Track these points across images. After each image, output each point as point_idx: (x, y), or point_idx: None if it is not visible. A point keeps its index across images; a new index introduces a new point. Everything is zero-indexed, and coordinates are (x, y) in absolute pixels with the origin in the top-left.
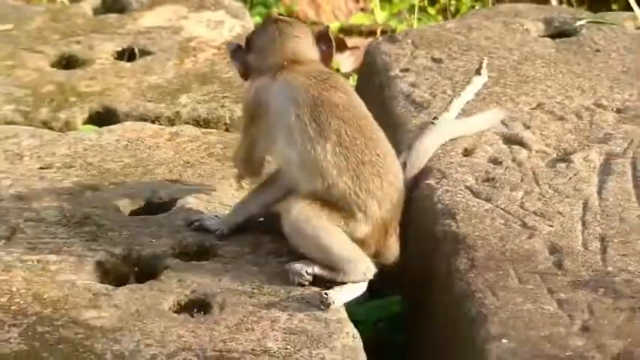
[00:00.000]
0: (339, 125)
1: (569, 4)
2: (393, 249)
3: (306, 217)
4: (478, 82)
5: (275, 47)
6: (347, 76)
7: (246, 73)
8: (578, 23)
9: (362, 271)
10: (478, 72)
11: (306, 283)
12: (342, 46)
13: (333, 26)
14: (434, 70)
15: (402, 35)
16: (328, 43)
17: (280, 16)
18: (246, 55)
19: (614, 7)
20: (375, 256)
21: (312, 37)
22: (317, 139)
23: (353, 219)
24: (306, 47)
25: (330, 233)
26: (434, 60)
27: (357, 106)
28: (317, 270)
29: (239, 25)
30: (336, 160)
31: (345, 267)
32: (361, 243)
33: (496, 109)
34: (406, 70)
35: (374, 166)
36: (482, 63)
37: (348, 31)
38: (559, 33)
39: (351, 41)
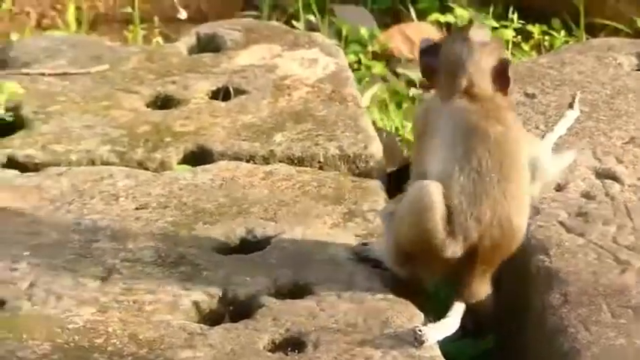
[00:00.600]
0: (483, 155)
1: None
2: (481, 290)
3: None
4: (571, 117)
5: (459, 69)
6: None
7: (429, 76)
8: None
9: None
10: (571, 106)
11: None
12: None
13: None
14: (527, 105)
15: None
16: (506, 75)
17: (475, 29)
18: (434, 58)
19: None
20: (461, 293)
21: (494, 65)
22: (460, 160)
23: (451, 237)
24: (485, 76)
25: None
26: (527, 95)
27: (509, 141)
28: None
29: (333, 62)
30: (465, 183)
31: None
32: (446, 263)
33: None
34: None
35: (495, 203)
36: (575, 97)
37: None
38: None
39: None
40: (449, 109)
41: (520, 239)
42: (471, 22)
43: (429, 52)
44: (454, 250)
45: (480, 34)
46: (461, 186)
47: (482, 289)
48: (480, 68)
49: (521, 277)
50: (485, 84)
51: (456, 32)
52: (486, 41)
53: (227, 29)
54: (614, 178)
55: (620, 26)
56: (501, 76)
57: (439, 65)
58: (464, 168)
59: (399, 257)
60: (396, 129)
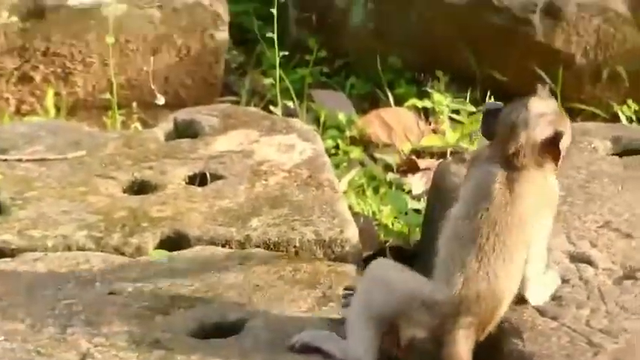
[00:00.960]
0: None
1: None
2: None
3: None
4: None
5: (511, 135)
6: (418, 198)
7: (489, 139)
8: None
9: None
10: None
11: None
12: (413, 168)
13: (405, 148)
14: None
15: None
16: (556, 147)
17: (540, 99)
18: (495, 121)
19: None
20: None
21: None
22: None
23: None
24: (534, 146)
25: None
26: None
27: (518, 209)
28: None
29: (310, 148)
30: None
31: None
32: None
33: None
34: None
35: (487, 266)
36: None
37: (419, 152)
38: (627, 151)
39: (422, 163)
40: (479, 171)
41: (504, 303)
42: (536, 90)
43: (493, 114)
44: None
45: (543, 104)
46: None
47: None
48: (531, 137)
49: None
50: (532, 153)
51: (519, 99)
52: (546, 112)
53: (205, 115)
54: (589, 262)
55: (598, 111)
56: (551, 147)
57: (497, 129)
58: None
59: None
60: (373, 213)
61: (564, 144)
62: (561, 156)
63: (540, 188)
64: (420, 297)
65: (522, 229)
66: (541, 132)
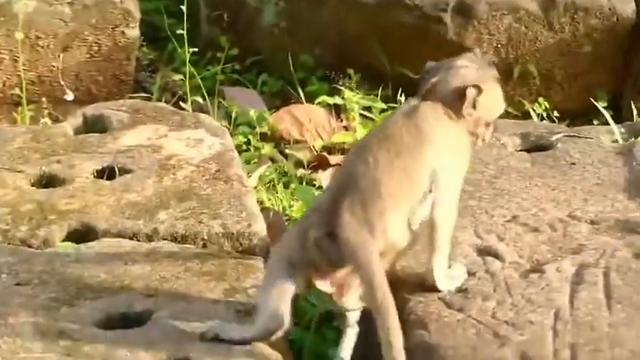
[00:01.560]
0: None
1: (550, 119)
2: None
3: None
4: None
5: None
6: None
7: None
8: (555, 137)
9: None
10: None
11: None
12: (324, 164)
13: (316, 144)
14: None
15: None
16: (461, 99)
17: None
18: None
19: (595, 122)
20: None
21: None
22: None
23: None
24: (446, 92)
25: None
26: None
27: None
28: None
29: (218, 143)
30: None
31: None
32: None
33: None
34: None
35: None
36: None
37: (330, 149)
38: (536, 147)
39: (333, 159)
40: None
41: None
42: (477, 52)
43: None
44: None
45: (471, 62)
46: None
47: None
48: (447, 82)
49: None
50: (441, 98)
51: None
52: (469, 67)
53: (114, 110)
54: (496, 255)
55: (509, 109)
56: (459, 98)
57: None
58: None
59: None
60: (284, 209)
61: (470, 96)
62: (464, 108)
63: (447, 131)
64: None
65: (419, 156)
66: (455, 81)
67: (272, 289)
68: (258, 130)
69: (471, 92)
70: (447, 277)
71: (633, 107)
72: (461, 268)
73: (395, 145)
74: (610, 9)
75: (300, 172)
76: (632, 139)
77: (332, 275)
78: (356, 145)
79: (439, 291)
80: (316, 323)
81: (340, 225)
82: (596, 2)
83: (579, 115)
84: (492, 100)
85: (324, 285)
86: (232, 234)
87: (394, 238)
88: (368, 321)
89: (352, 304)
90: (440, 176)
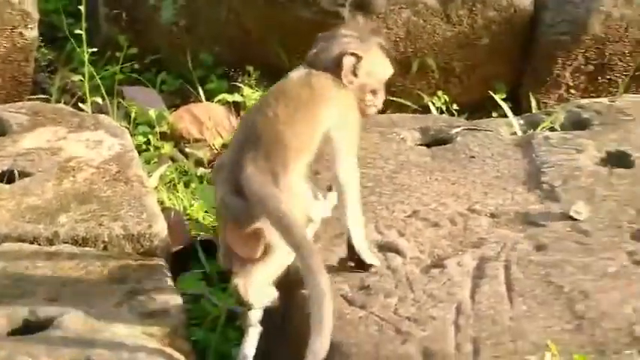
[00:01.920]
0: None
1: (450, 112)
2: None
3: None
4: (333, 198)
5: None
6: None
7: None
8: (454, 131)
9: None
10: (330, 189)
11: None
12: None
13: (216, 142)
14: (312, 182)
15: None
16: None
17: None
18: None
19: (494, 114)
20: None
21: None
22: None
23: None
24: (328, 59)
25: None
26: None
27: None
28: None
29: (118, 144)
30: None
31: None
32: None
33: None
34: None
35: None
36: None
37: None
38: (435, 141)
39: None
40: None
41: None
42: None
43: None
44: None
45: (354, 31)
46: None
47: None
48: (328, 51)
49: (303, 349)
50: (324, 67)
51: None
52: (349, 35)
53: (12, 112)
54: (397, 251)
55: (408, 102)
56: (338, 65)
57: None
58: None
59: None
60: (184, 208)
61: (347, 63)
62: (342, 72)
63: (337, 95)
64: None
65: (316, 112)
66: (335, 49)
67: None
68: (158, 129)
69: (347, 60)
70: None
71: (532, 98)
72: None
73: (292, 100)
74: (508, 1)
75: (201, 170)
76: (531, 130)
77: (242, 237)
78: (253, 106)
79: (370, 266)
80: (219, 323)
81: (245, 178)
82: None
83: (478, 108)
84: (375, 66)
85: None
86: (133, 235)
87: (297, 190)
88: (269, 319)
89: (255, 299)
90: (336, 135)
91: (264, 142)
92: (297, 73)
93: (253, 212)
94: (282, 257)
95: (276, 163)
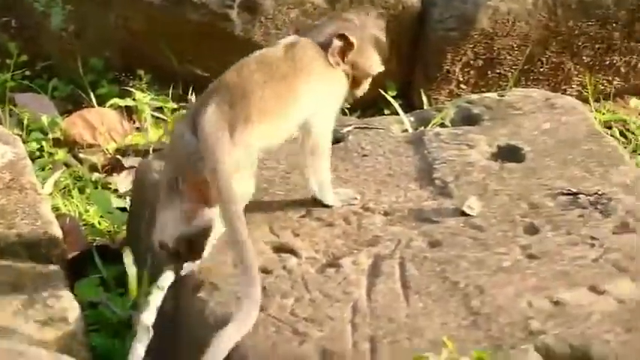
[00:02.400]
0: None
1: (342, 112)
2: None
3: None
4: None
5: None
6: (124, 196)
7: None
8: (346, 129)
9: None
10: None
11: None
12: (118, 167)
13: (109, 147)
14: None
15: None
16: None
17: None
18: None
19: (386, 112)
20: None
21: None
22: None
23: None
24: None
25: None
26: None
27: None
28: None
29: (11, 151)
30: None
31: None
32: None
33: None
34: None
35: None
36: None
37: (124, 151)
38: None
39: (127, 161)
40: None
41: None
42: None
43: None
44: None
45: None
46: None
47: None
48: (322, 31)
49: (201, 350)
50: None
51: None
52: (353, 23)
53: None
54: (292, 251)
55: None
56: (329, 42)
57: None
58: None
59: None
60: (80, 214)
61: (335, 44)
62: (329, 54)
63: (320, 66)
64: None
65: (293, 82)
66: (331, 27)
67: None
68: (51, 135)
69: (337, 42)
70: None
71: (423, 95)
72: (349, 193)
73: (271, 66)
74: None
75: (95, 176)
76: (422, 127)
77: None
78: (236, 64)
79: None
80: (117, 329)
81: (204, 116)
82: None
83: (370, 106)
84: (363, 58)
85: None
86: (28, 243)
87: (248, 153)
88: (161, 322)
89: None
90: (313, 104)
91: (232, 94)
92: (285, 40)
93: (202, 156)
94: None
95: (238, 115)
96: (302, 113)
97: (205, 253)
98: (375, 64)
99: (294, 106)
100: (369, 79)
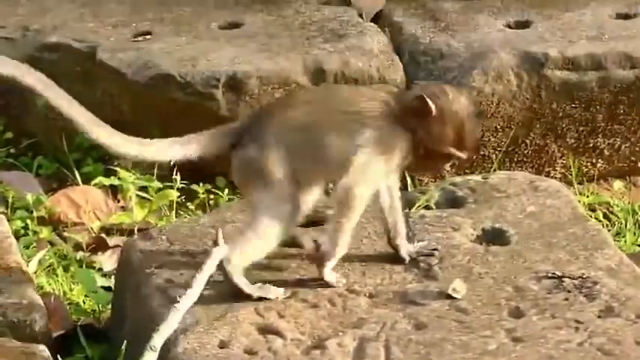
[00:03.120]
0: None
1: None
2: None
3: None
4: (217, 254)
5: None
6: (109, 275)
7: None
8: (330, 210)
9: None
10: (215, 243)
11: None
12: (103, 246)
13: (94, 226)
14: (189, 265)
15: (157, 232)
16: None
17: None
18: None
19: None
20: None
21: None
22: None
23: None
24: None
25: None
26: (189, 254)
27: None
28: None
29: None
30: None
31: None
32: None
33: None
34: (162, 266)
35: None
36: (217, 234)
37: (109, 230)
38: (312, 221)
39: (112, 240)
40: None
41: None
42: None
43: None
44: None
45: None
46: None
47: None
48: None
49: None
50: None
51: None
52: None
53: None
54: (277, 333)
55: None
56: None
57: None
58: None
59: None
60: (64, 293)
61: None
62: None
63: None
64: None
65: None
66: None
67: None
68: (35, 214)
69: (419, 101)
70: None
71: (407, 176)
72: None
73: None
74: (380, 78)
75: (80, 254)
76: (407, 209)
77: None
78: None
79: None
80: None
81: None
82: (367, 72)
83: None
84: (442, 128)
85: None
86: (13, 322)
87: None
88: None
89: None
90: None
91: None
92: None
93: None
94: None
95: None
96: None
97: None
98: (447, 142)
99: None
100: (444, 160)
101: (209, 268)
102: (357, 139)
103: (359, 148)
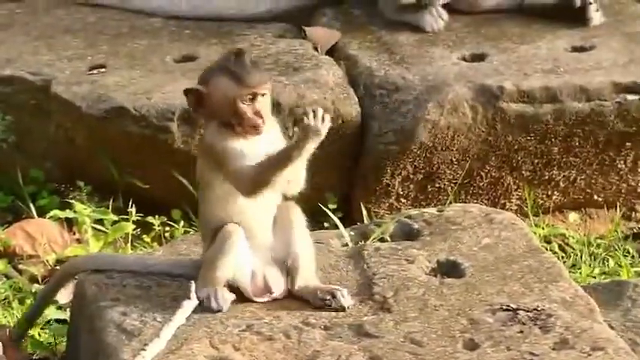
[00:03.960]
0: None
1: None
2: None
3: None
4: (188, 306)
5: None
6: (65, 308)
7: None
8: None
9: None
10: (188, 297)
11: None
12: None
13: (50, 258)
14: (143, 298)
15: None
16: None
17: None
18: None
19: (326, 224)
20: None
21: None
22: None
23: None
24: None
25: None
26: (144, 288)
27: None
28: None
29: None
30: None
31: None
32: None
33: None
34: (116, 299)
35: None
36: (191, 287)
37: (64, 262)
38: None
39: None
40: None
41: None
42: None
43: None
44: None
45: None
46: None
47: None
48: None
49: None
50: None
51: None
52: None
53: None
54: None
55: None
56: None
57: None
58: None
59: None
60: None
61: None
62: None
63: None
64: None
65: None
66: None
67: None
68: None
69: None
70: None
71: (363, 208)
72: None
73: None
74: (335, 111)
75: (35, 287)
76: (362, 241)
77: None
78: None
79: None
80: None
81: None
82: (322, 105)
83: (309, 219)
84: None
85: None
86: None
87: None
88: None
89: None
90: None
91: None
92: None
93: None
94: None
95: None
96: None
97: None
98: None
99: None
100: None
101: (179, 320)
102: None
103: None
